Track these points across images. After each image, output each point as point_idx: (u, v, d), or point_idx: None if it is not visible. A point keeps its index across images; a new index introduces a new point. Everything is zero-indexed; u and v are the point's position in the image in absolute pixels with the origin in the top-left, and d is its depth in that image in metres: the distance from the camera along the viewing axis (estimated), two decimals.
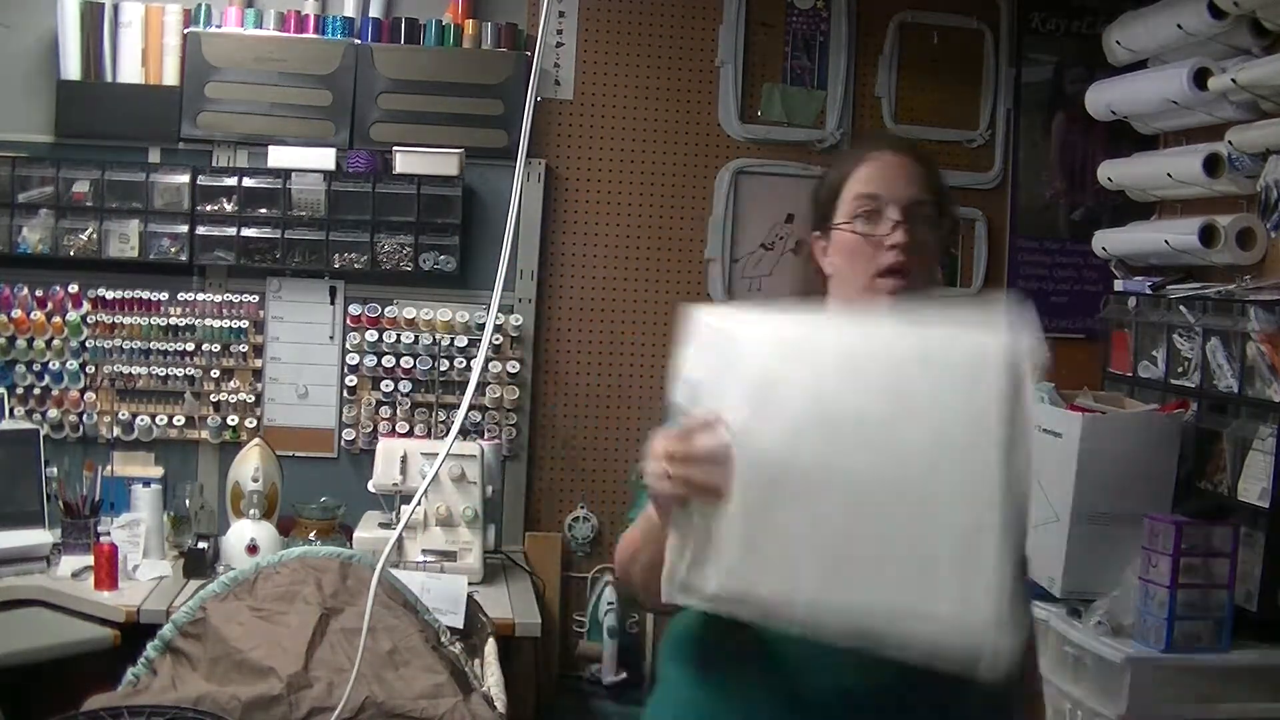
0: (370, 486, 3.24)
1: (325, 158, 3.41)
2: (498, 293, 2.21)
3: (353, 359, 3.51)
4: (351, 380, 3.52)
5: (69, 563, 3.02)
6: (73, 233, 3.37)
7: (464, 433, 3.49)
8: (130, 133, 3.38)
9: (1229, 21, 2.89)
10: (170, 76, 3.39)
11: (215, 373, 3.48)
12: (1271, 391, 2.74)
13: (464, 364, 3.52)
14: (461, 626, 2.78)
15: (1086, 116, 3.53)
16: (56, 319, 3.39)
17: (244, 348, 3.48)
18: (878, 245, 1.62)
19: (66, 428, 3.41)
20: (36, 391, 3.39)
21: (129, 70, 3.36)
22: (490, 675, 2.58)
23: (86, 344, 3.41)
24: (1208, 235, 2.99)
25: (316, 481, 3.47)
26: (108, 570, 2.90)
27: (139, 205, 3.38)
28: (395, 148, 3.44)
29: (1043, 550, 2.93)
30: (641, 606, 2.04)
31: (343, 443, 3.54)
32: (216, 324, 3.46)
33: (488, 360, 3.50)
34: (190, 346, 3.45)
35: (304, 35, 3.44)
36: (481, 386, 3.53)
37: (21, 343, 3.37)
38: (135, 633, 2.66)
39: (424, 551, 3.14)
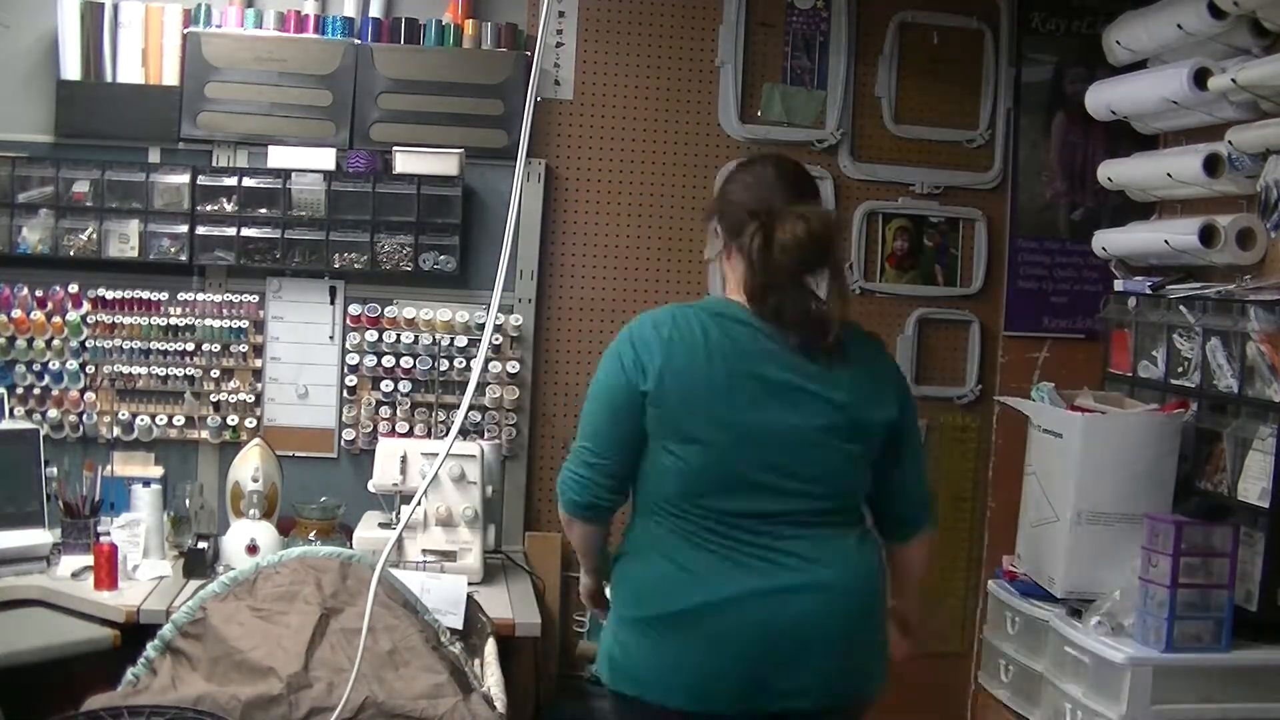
0: (370, 486, 3.24)
1: (325, 158, 3.41)
2: (498, 293, 2.22)
3: (353, 359, 3.52)
4: (351, 380, 3.52)
5: (69, 563, 3.02)
6: (73, 233, 3.37)
7: (464, 433, 3.49)
8: (130, 133, 3.38)
9: (1229, 21, 2.89)
10: (170, 76, 3.39)
11: (215, 373, 3.48)
12: (1271, 391, 2.74)
13: (464, 364, 3.52)
14: (461, 626, 2.78)
15: (1086, 116, 3.53)
16: (56, 319, 3.39)
17: (244, 348, 3.48)
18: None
19: (66, 428, 3.41)
20: (36, 391, 3.39)
21: (129, 70, 3.36)
22: (490, 675, 2.58)
23: (86, 344, 3.41)
24: (1208, 235, 2.99)
25: (316, 481, 3.47)
26: (108, 570, 2.90)
27: (139, 205, 3.38)
28: (395, 148, 3.44)
29: (1043, 550, 2.94)
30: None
31: (343, 443, 3.54)
32: (216, 324, 3.46)
33: (488, 360, 3.50)
34: (190, 346, 3.45)
35: (304, 35, 3.44)
36: (481, 386, 3.53)
37: (21, 343, 3.37)
38: (135, 633, 2.66)
39: (424, 551, 3.14)
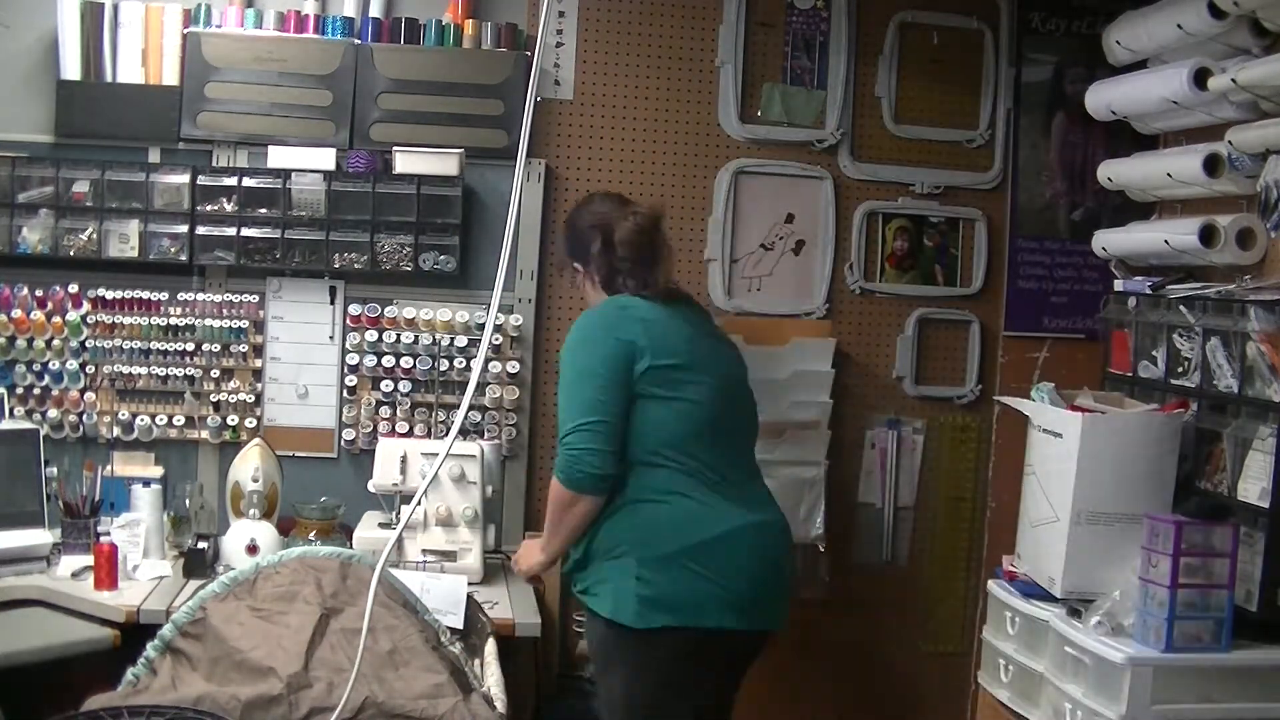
0: (370, 486, 3.24)
1: (325, 158, 3.41)
2: (498, 293, 2.22)
3: (353, 359, 3.52)
4: (351, 380, 3.52)
5: (69, 563, 3.02)
6: (73, 233, 3.37)
7: (464, 433, 3.49)
8: (130, 133, 3.38)
9: (1229, 21, 2.89)
10: (170, 76, 3.39)
11: (215, 373, 3.48)
12: (1271, 391, 2.74)
13: (464, 364, 3.52)
14: (461, 626, 2.78)
15: (1086, 116, 3.53)
16: (56, 319, 3.39)
17: (244, 348, 3.48)
18: None
19: (66, 428, 3.41)
20: (36, 391, 3.39)
21: (129, 70, 3.37)
22: (490, 675, 2.58)
23: (86, 344, 3.41)
24: (1208, 235, 2.99)
25: (316, 481, 3.47)
26: (108, 570, 2.90)
27: (139, 205, 3.38)
28: (395, 148, 3.44)
29: (1043, 550, 2.94)
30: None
31: (343, 443, 3.54)
32: (216, 324, 3.46)
33: (488, 360, 3.50)
34: (190, 346, 3.45)
35: (304, 35, 3.44)
36: (481, 386, 3.53)
37: (21, 343, 3.37)
38: (135, 633, 2.66)
39: (424, 551, 3.14)
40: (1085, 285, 3.81)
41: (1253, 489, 2.75)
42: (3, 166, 3.32)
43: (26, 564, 3.00)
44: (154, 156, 3.42)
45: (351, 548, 2.85)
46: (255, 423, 3.50)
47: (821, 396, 3.67)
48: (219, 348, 3.47)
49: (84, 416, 3.41)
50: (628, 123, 3.66)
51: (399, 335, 3.51)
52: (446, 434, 3.22)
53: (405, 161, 3.44)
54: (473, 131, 3.50)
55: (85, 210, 3.36)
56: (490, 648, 2.75)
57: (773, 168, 3.70)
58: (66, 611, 2.84)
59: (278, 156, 3.41)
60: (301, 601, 2.40)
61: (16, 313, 3.36)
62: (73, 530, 3.08)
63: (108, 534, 3.07)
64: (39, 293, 3.38)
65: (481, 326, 3.50)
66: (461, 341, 3.53)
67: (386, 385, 3.51)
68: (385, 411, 3.52)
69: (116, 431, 3.43)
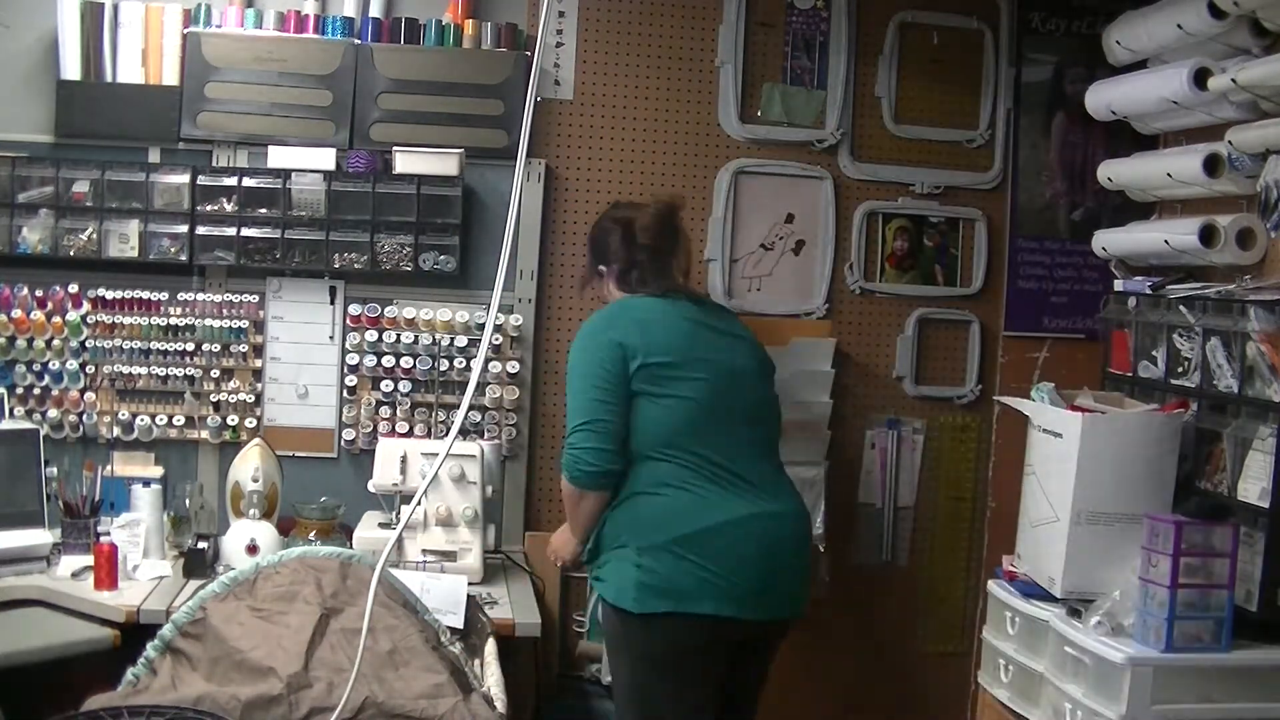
0: (370, 486, 3.25)
1: (325, 158, 3.41)
2: (498, 293, 2.22)
3: (353, 359, 3.52)
4: (351, 380, 3.52)
5: (69, 563, 3.02)
6: (73, 233, 3.37)
7: (464, 433, 3.49)
8: (130, 133, 3.38)
9: (1229, 21, 2.89)
10: (170, 76, 3.39)
11: (215, 373, 3.48)
12: (1271, 391, 2.74)
13: (464, 364, 3.52)
14: (461, 626, 2.78)
15: (1086, 116, 3.53)
16: (56, 319, 3.39)
17: (244, 348, 3.48)
18: None
19: (66, 428, 3.41)
20: (36, 391, 3.39)
21: (129, 70, 3.36)
22: (490, 675, 2.58)
23: (86, 344, 3.41)
24: (1208, 235, 2.99)
25: (316, 481, 3.47)
26: (108, 570, 2.90)
27: (139, 205, 3.38)
28: (395, 148, 3.44)
29: (1043, 550, 2.94)
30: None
31: (343, 443, 3.54)
32: (216, 324, 3.47)
33: (488, 360, 3.50)
34: (190, 346, 3.45)
35: (304, 35, 3.44)
36: (481, 386, 3.53)
37: (21, 343, 3.37)
38: (135, 633, 2.67)
39: (424, 551, 3.14)
40: (1085, 285, 3.81)
41: (1253, 489, 2.75)
42: (3, 166, 3.32)
43: (26, 564, 3.00)
44: (154, 156, 3.42)
45: (351, 548, 2.86)
46: (255, 423, 3.50)
47: (821, 396, 3.67)
48: (219, 348, 3.47)
49: (84, 416, 3.41)
50: (628, 123, 3.66)
51: (399, 335, 3.51)
52: (446, 434, 3.22)
53: (405, 161, 3.44)
54: (473, 131, 3.50)
55: (85, 210, 3.36)
56: (490, 648, 2.76)
57: (773, 168, 3.70)
58: (66, 611, 2.84)
59: (278, 156, 3.41)
60: (301, 601, 2.40)
61: (16, 313, 3.36)
62: (73, 530, 3.08)
63: (108, 534, 3.07)
64: (39, 293, 3.38)
65: (481, 326, 3.50)
66: (461, 341, 3.53)
67: (386, 385, 3.51)
68: (385, 411, 3.52)
69: (116, 431, 3.43)
